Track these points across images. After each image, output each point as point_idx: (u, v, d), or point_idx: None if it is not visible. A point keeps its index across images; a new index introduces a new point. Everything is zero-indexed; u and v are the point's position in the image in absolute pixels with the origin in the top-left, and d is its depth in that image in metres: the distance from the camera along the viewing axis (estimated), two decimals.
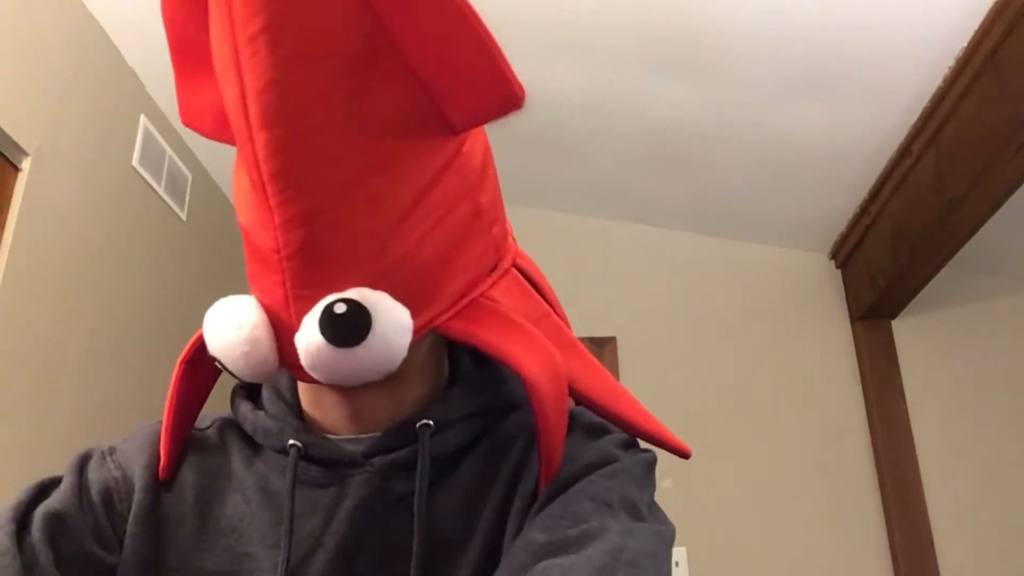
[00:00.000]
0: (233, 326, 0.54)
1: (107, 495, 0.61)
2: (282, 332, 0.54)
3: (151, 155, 2.14)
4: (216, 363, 0.56)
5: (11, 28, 1.63)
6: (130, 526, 0.60)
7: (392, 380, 0.56)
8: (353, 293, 0.52)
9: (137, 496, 0.61)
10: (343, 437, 0.61)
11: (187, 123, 0.63)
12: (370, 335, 0.51)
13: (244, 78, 0.48)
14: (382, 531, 0.57)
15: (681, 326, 2.77)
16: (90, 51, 1.91)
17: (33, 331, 1.68)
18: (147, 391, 2.12)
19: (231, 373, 0.56)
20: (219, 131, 0.60)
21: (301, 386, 0.64)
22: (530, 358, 0.55)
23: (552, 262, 3.18)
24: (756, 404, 2.66)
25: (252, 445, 0.64)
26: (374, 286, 0.53)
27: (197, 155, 2.42)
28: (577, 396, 0.60)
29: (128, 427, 2.06)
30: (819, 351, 2.71)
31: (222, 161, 2.48)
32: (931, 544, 2.43)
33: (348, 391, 0.60)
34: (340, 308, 0.51)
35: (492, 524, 0.57)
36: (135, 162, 2.07)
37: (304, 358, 0.52)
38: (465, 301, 0.58)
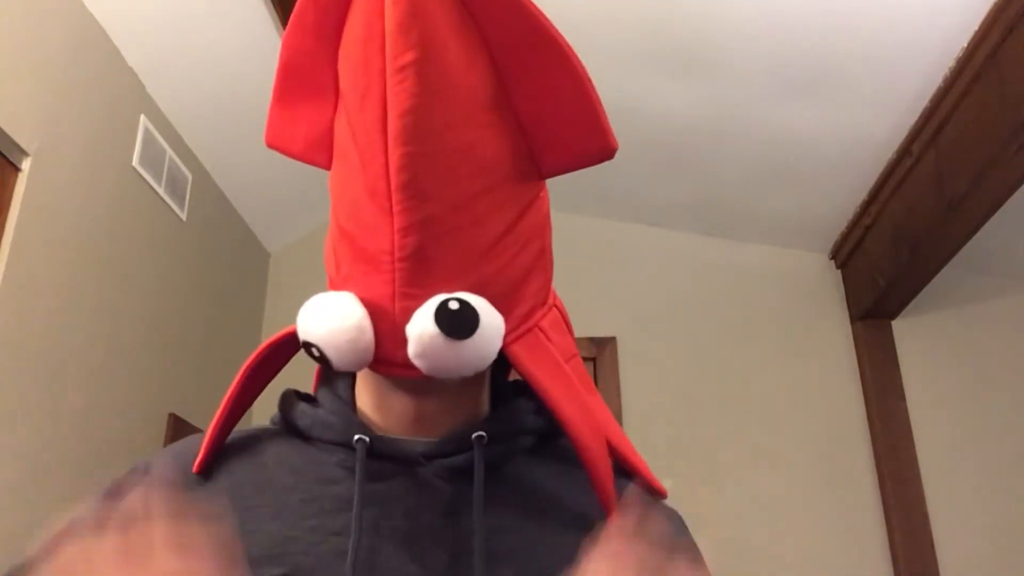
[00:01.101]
0: (339, 316, 0.60)
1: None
2: (383, 325, 0.60)
3: (151, 155, 2.14)
4: (312, 351, 0.61)
5: (11, 28, 1.63)
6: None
7: (457, 393, 0.65)
8: (462, 295, 0.59)
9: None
10: (402, 438, 0.66)
11: (273, 143, 0.70)
12: (477, 331, 0.58)
13: (388, 100, 0.56)
14: (441, 528, 0.61)
15: (681, 326, 2.77)
16: (90, 51, 1.91)
17: (33, 331, 1.68)
18: (147, 391, 2.12)
19: (323, 362, 0.61)
20: (309, 153, 0.68)
21: (362, 391, 0.69)
22: (571, 409, 0.63)
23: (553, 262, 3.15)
24: (756, 404, 2.66)
25: (297, 442, 0.68)
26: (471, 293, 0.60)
27: (197, 155, 2.42)
28: None
29: (127, 427, 2.05)
30: (819, 351, 2.72)
31: (222, 161, 2.48)
32: (931, 544, 2.43)
33: (416, 399, 0.66)
34: (454, 305, 0.57)
35: (573, 548, 0.59)
36: (135, 162, 2.07)
37: (415, 346, 0.58)
38: (526, 327, 0.65)
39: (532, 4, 0.59)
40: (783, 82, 2.07)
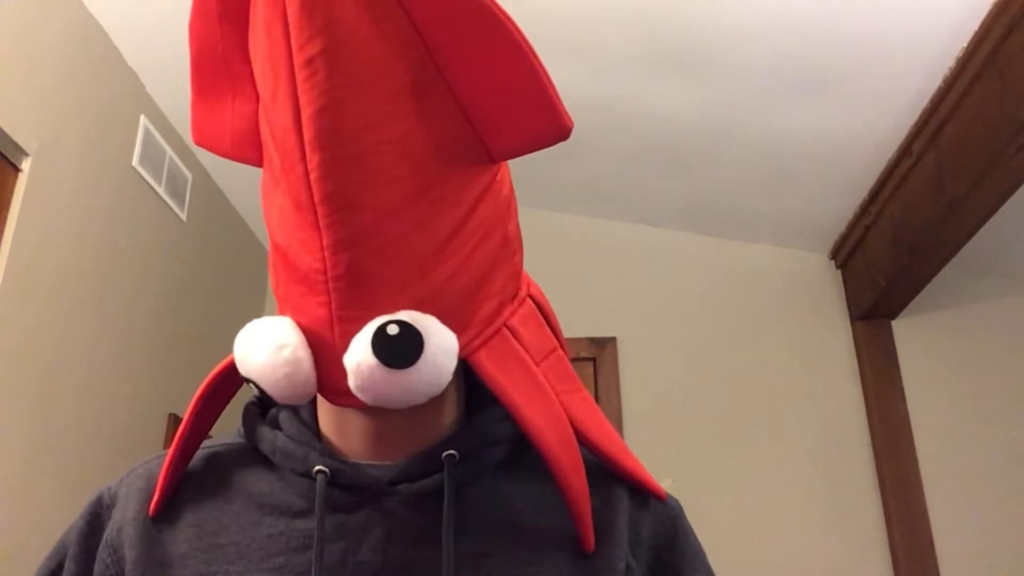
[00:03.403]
0: (272, 347, 0.54)
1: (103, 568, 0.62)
2: (323, 353, 0.54)
3: (151, 155, 2.14)
4: (251, 385, 0.56)
5: (11, 28, 1.63)
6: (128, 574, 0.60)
7: (420, 408, 0.57)
8: (404, 315, 0.52)
9: (128, 554, 0.61)
10: (367, 463, 0.61)
11: (200, 142, 0.63)
12: (422, 357, 0.51)
13: (299, 100, 0.49)
14: (411, 561, 0.57)
15: (681, 326, 2.77)
16: (90, 51, 1.91)
17: (33, 331, 1.68)
18: (146, 391, 2.12)
19: (265, 396, 0.56)
20: (238, 150, 0.60)
21: (322, 411, 0.64)
22: (540, 420, 0.58)
23: (552, 262, 3.22)
24: (756, 404, 2.66)
25: (264, 466, 0.63)
26: (419, 309, 0.53)
27: (197, 155, 2.42)
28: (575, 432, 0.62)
29: (127, 428, 2.06)
30: (819, 351, 2.71)
31: (222, 161, 2.47)
32: (931, 544, 2.43)
33: (376, 418, 0.60)
34: (393, 329, 0.51)
35: (558, 570, 0.58)
36: (135, 162, 2.07)
37: (354, 379, 0.52)
38: (492, 329, 0.59)
39: None
40: (783, 82, 2.07)
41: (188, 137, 2.35)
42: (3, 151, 1.62)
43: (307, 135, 0.50)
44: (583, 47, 2.06)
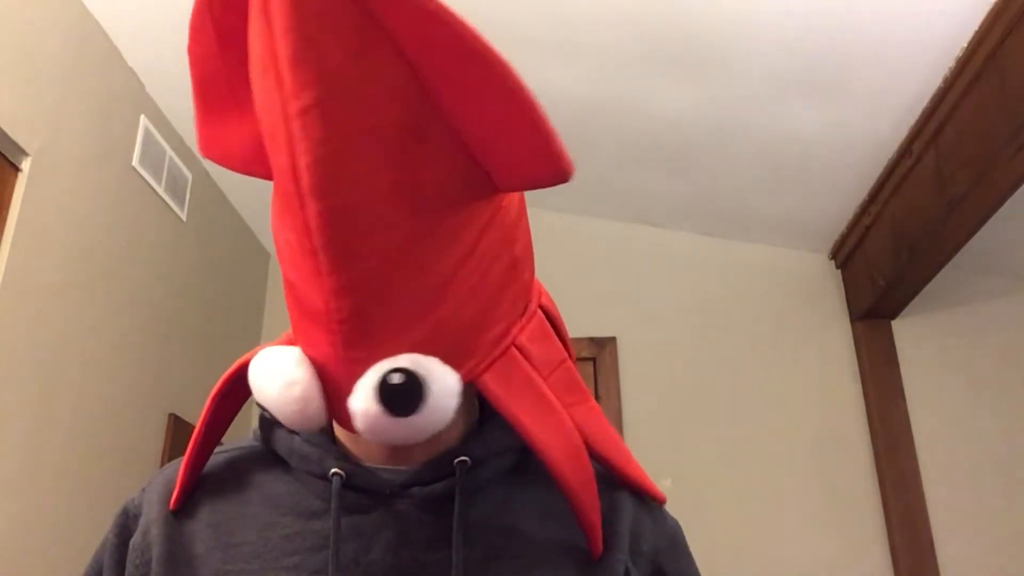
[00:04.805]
0: (283, 384, 0.56)
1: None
2: (332, 389, 0.56)
3: (151, 155, 2.14)
4: (264, 411, 0.59)
5: (11, 28, 1.63)
6: (153, 573, 0.62)
7: None
8: (406, 361, 0.53)
9: (154, 552, 0.62)
10: (381, 467, 0.63)
11: (210, 156, 0.62)
12: (424, 403, 0.52)
13: (295, 149, 0.48)
14: (422, 562, 0.59)
15: (681, 326, 2.77)
16: (90, 51, 1.91)
17: (33, 331, 1.68)
18: (146, 391, 2.12)
19: (278, 422, 0.58)
20: (249, 166, 0.60)
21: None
22: (547, 438, 0.58)
23: (552, 262, 3.22)
24: (756, 404, 2.66)
25: (280, 468, 0.65)
26: (422, 347, 0.54)
27: (197, 155, 2.42)
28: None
29: (127, 428, 2.06)
30: (819, 351, 2.71)
31: None
32: (931, 544, 2.43)
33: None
34: (396, 379, 0.52)
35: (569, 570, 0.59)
36: (135, 162, 2.07)
37: (359, 423, 0.54)
38: (498, 351, 0.59)
39: (451, 13, 0.47)
40: (783, 82, 2.07)
41: (188, 137, 2.36)
42: (3, 151, 1.62)
43: (303, 184, 0.48)
44: (584, 47, 2.06)
